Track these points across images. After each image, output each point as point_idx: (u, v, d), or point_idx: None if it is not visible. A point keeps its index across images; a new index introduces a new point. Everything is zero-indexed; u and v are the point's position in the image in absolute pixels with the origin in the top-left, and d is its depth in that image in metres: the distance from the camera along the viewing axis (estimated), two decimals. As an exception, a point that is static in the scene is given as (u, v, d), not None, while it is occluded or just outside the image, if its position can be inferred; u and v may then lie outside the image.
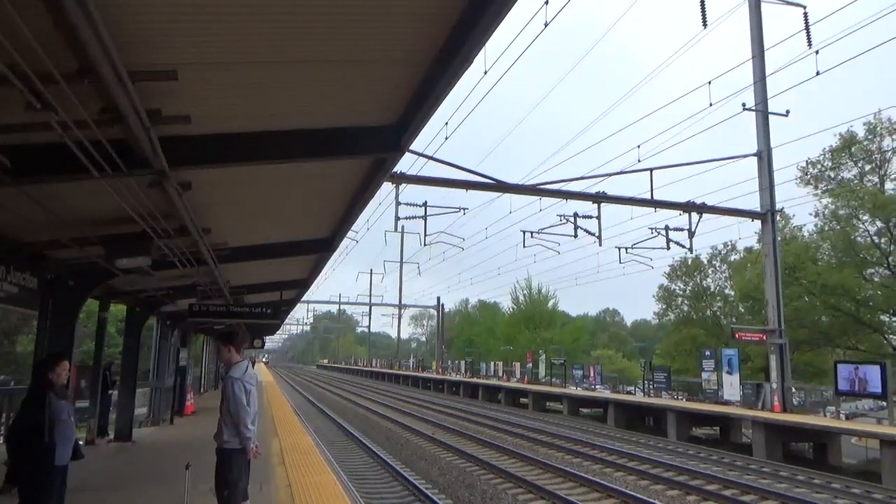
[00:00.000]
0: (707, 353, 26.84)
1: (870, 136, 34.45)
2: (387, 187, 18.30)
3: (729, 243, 45.85)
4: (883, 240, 33.44)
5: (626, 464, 15.93)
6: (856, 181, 35.41)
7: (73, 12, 2.99)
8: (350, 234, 14.55)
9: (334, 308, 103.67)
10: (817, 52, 16.93)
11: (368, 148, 6.65)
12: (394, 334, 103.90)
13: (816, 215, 36.61)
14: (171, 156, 5.39)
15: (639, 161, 21.05)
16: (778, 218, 25.44)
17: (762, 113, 23.58)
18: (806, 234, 38.82)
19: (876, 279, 34.54)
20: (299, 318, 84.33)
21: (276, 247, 12.34)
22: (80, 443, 6.33)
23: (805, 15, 18.96)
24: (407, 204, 19.63)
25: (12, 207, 6.68)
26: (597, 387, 34.80)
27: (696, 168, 22.99)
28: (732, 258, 46.44)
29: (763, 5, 23.97)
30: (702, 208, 22.45)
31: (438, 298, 69.92)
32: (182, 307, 16.65)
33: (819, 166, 36.07)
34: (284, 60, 4.81)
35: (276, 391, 35.55)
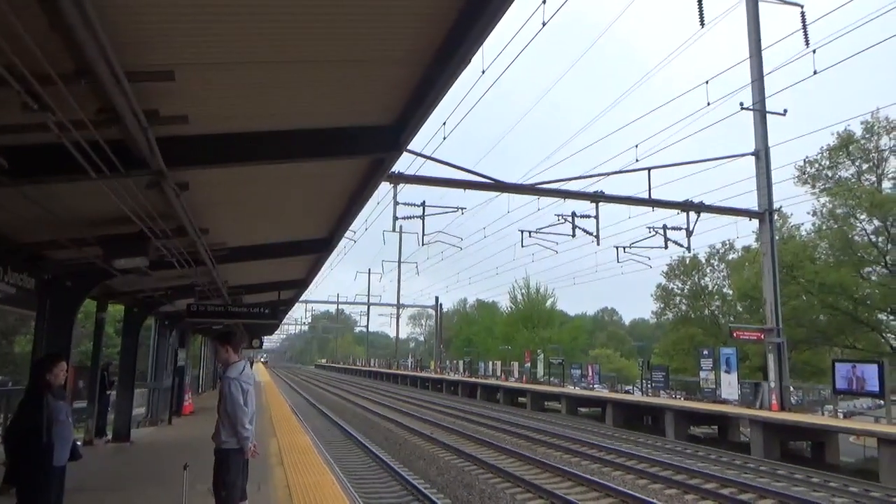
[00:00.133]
0: (705, 352, 26.87)
1: (867, 135, 34.53)
2: (385, 187, 18.32)
3: (727, 242, 46.01)
4: (880, 238, 33.52)
5: (624, 463, 15.95)
6: (853, 180, 35.48)
7: (69, 13, 2.99)
8: (348, 233, 14.54)
9: (332, 308, 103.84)
10: (814, 52, 16.98)
11: (367, 148, 6.65)
12: (392, 334, 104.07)
13: (814, 214, 36.74)
14: (169, 156, 5.39)
15: (637, 160, 21.09)
16: (776, 217, 25.47)
17: (760, 112, 23.61)
18: (804, 233, 38.91)
19: (873, 278, 34.61)
20: (297, 317, 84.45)
21: (274, 247, 12.33)
22: (78, 443, 6.33)
23: (802, 14, 18.99)
24: (405, 204, 19.65)
25: (10, 208, 6.66)
26: (595, 386, 34.83)
27: (693, 167, 23.06)
28: (730, 257, 46.57)
29: (760, 5, 24.02)
30: (700, 207, 22.47)
31: (437, 298, 69.97)
32: (180, 307, 16.64)
33: (817, 165, 36.15)
34: (283, 60, 4.80)
35: (274, 391, 35.53)
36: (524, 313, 72.37)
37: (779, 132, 57.09)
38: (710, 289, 47.89)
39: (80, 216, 7.66)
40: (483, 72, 13.17)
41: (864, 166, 35.54)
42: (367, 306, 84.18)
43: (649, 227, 23.17)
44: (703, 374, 26.04)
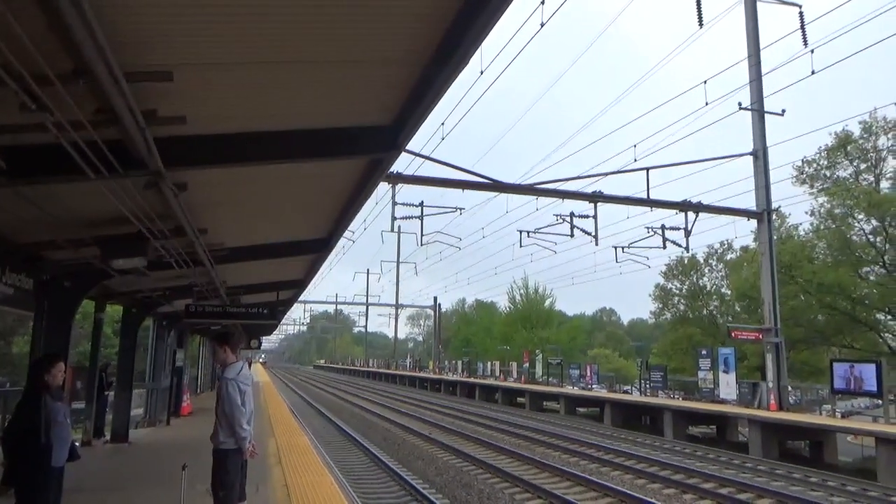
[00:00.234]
0: (703, 351, 26.90)
1: (865, 135, 34.59)
2: (383, 187, 18.33)
3: (725, 242, 46.02)
4: (878, 238, 33.55)
5: (622, 462, 15.96)
6: (851, 180, 35.53)
7: (67, 13, 2.98)
8: (346, 234, 14.54)
9: (331, 308, 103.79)
10: (812, 52, 17.01)
11: (365, 148, 6.64)
12: (391, 334, 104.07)
13: (812, 214, 36.77)
14: (167, 156, 5.38)
15: (635, 160, 21.12)
16: (774, 217, 25.50)
17: (758, 112, 23.65)
18: (802, 232, 38.95)
19: (871, 278, 34.65)
20: (296, 318, 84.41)
21: (272, 247, 12.32)
22: (77, 444, 6.32)
23: (801, 14, 19.03)
24: (403, 204, 19.65)
25: (8, 208, 6.65)
26: (593, 386, 34.85)
27: (692, 167, 23.11)
28: (728, 257, 46.62)
29: (759, 5, 24.06)
30: (698, 207, 22.50)
31: (435, 298, 69.95)
32: (178, 308, 16.62)
33: (815, 165, 36.22)
34: (282, 61, 4.80)
35: (272, 391, 35.50)
36: (523, 313, 72.40)
37: (777, 132, 57.32)
38: (708, 289, 47.93)
39: (78, 216, 7.65)
40: (482, 72, 13.21)
41: (862, 166, 35.61)
42: (365, 306, 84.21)
43: (648, 227, 23.22)
44: (701, 374, 26.06)
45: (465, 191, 19.64)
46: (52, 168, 5.22)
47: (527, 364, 43.27)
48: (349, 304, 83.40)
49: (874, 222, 33.32)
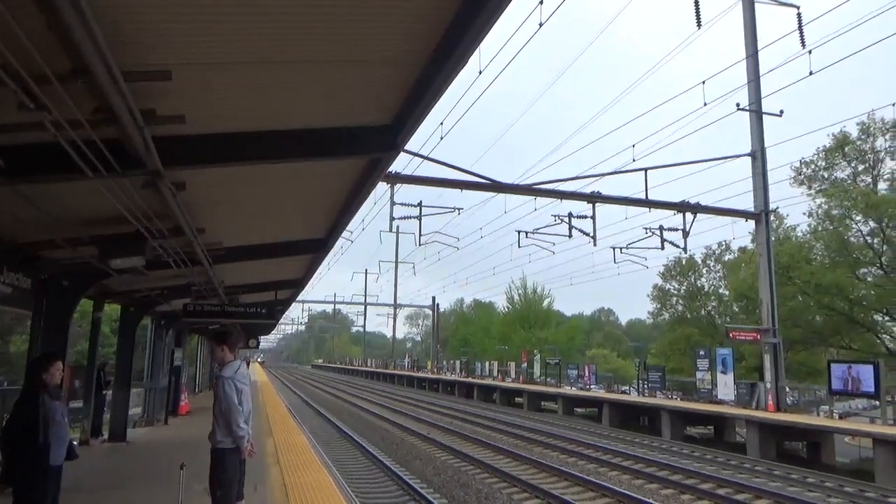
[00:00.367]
0: (701, 352, 26.91)
1: (863, 136, 34.66)
2: (382, 187, 18.33)
3: (723, 243, 46.09)
4: (875, 240, 33.62)
5: (620, 463, 15.98)
6: (849, 181, 35.60)
7: (66, 12, 2.98)
8: (345, 234, 14.55)
9: (329, 308, 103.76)
10: (810, 52, 17.04)
11: (364, 148, 6.65)
12: (389, 334, 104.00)
13: (810, 215, 36.85)
14: (166, 156, 5.38)
15: (633, 160, 21.14)
16: (772, 218, 25.54)
17: (756, 113, 23.68)
18: (800, 233, 39.05)
19: (869, 279, 34.72)
20: (294, 317, 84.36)
21: (271, 247, 12.31)
22: (75, 443, 6.32)
23: (798, 15, 19.06)
24: (402, 204, 19.63)
25: (6, 208, 6.65)
26: (591, 386, 34.86)
27: (690, 168, 23.13)
28: (726, 258, 46.69)
29: (757, 6, 24.08)
30: (696, 208, 22.52)
31: (433, 298, 69.97)
32: (177, 307, 16.59)
33: (812, 166, 36.28)
34: (281, 61, 4.80)
35: (271, 391, 35.49)
36: (521, 313, 72.39)
37: (775, 133, 57.35)
38: (706, 289, 48.02)
39: (76, 216, 7.65)
40: (480, 72, 13.21)
41: (860, 167, 35.71)
42: (364, 306, 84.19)
43: (646, 228, 23.23)
44: (699, 375, 26.08)
45: (464, 191, 19.65)
46: (51, 167, 5.21)
47: (525, 364, 43.27)
48: (347, 303, 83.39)
49: (872, 223, 33.39)
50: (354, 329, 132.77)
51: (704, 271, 48.17)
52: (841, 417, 20.43)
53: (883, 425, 17.50)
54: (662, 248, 23.21)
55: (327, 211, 10.38)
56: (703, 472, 14.93)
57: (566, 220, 21.46)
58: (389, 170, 14.72)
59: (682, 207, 22.41)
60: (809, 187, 36.54)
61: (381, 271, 68.55)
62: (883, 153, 34.61)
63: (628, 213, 23.08)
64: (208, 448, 5.85)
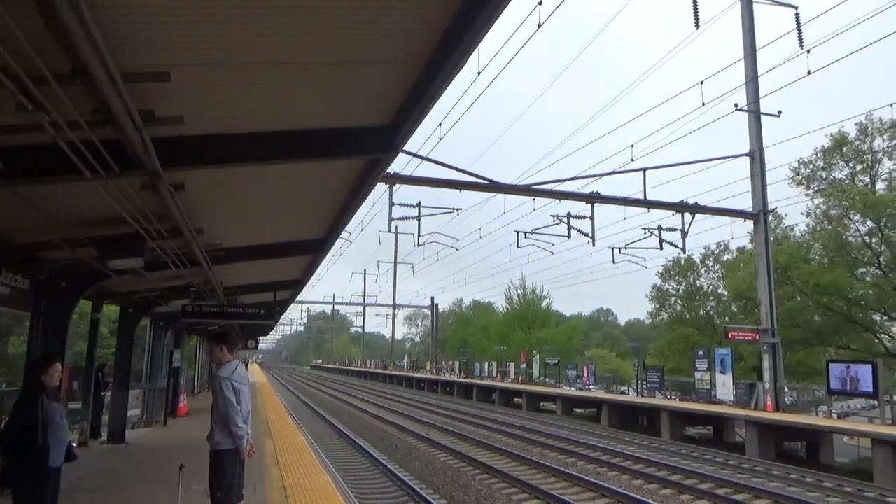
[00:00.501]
0: (700, 352, 26.92)
1: (861, 137, 34.68)
2: (380, 188, 18.33)
3: (722, 243, 46.09)
4: (874, 240, 33.65)
5: (619, 463, 15.98)
6: (847, 181, 35.62)
7: (65, 14, 2.98)
8: (344, 234, 14.55)
9: (328, 308, 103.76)
10: (808, 52, 17.07)
11: (363, 148, 6.65)
12: (388, 334, 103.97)
13: (808, 215, 36.85)
14: (164, 157, 5.37)
15: (632, 160, 21.12)
16: (770, 218, 25.56)
17: (754, 113, 23.70)
18: (798, 233, 39.06)
19: (867, 279, 34.75)
20: (293, 318, 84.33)
21: (269, 248, 12.31)
22: (73, 444, 6.31)
23: (797, 16, 19.10)
24: (401, 204, 19.63)
25: (4, 209, 6.64)
26: (590, 387, 34.84)
27: (688, 168, 23.13)
28: (725, 258, 46.66)
29: (755, 6, 24.12)
30: (694, 208, 22.53)
31: (432, 298, 70.01)
32: (175, 308, 16.59)
33: (811, 166, 36.29)
34: (280, 62, 4.80)
35: (269, 392, 35.48)
36: (520, 314, 72.35)
37: (773, 133, 57.55)
38: (705, 289, 48.00)
39: (75, 217, 7.64)
40: (479, 73, 13.23)
41: (858, 167, 35.71)
42: (362, 307, 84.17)
43: (645, 228, 23.24)
44: (698, 375, 26.09)
45: (463, 191, 19.66)
46: (49, 168, 5.20)
47: (524, 364, 43.26)
48: (346, 304, 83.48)
49: (870, 223, 33.41)
50: (353, 330, 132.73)
51: (703, 271, 48.18)
52: (839, 417, 20.45)
53: (881, 425, 17.52)
54: (661, 248, 23.24)
55: (326, 211, 10.38)
56: (702, 472, 14.93)
57: (565, 220, 21.47)
58: (388, 170, 14.72)
59: (680, 207, 22.43)
60: (808, 187, 36.57)
61: (380, 272, 68.67)
62: (881, 153, 34.64)
63: (627, 214, 23.11)
64: (207, 449, 5.85)
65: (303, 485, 9.12)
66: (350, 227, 15.63)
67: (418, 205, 19.91)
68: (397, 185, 18.91)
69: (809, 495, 13.08)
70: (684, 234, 22.63)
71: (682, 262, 46.48)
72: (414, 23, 4.46)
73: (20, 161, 5.17)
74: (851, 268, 34.15)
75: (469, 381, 47.08)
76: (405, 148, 7.68)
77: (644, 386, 30.18)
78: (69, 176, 5.15)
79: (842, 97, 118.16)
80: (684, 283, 48.52)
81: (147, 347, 19.71)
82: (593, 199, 20.96)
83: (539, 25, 12.29)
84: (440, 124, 17.77)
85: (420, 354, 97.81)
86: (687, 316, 47.54)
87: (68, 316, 9.70)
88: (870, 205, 32.18)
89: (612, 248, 24.55)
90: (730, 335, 24.87)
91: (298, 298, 34.65)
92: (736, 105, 22.82)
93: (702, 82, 19.02)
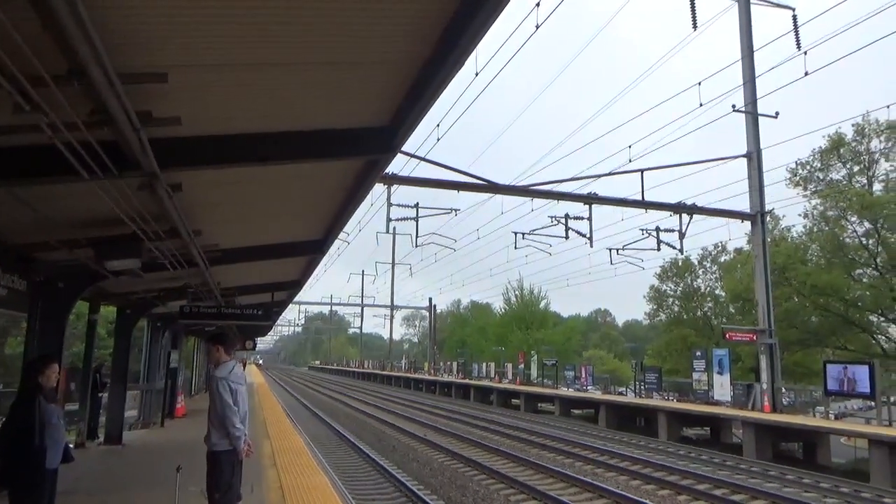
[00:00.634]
0: (698, 353, 26.96)
1: (858, 138, 34.72)
2: (378, 188, 18.33)
3: (719, 244, 46.16)
4: (871, 241, 33.69)
5: (617, 464, 15.99)
6: (844, 182, 35.66)
7: (62, 14, 2.97)
8: (342, 235, 14.54)
9: (326, 309, 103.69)
10: (805, 53, 17.09)
11: (361, 149, 6.65)
12: (386, 335, 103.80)
13: (806, 216, 36.87)
14: (162, 158, 5.36)
15: (630, 161, 21.14)
16: (767, 219, 25.60)
17: (752, 115, 23.74)
18: (795, 234, 39.09)
19: (864, 280, 34.79)
20: (291, 319, 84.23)
21: (267, 248, 12.30)
22: (70, 446, 6.30)
23: (794, 17, 19.13)
24: (399, 205, 19.64)
25: (1, 210, 6.63)
26: (588, 388, 34.87)
27: (686, 169, 23.13)
28: (723, 259, 46.69)
29: (752, 7, 24.17)
30: (692, 209, 22.56)
31: (430, 299, 70.08)
32: (173, 309, 16.57)
33: (808, 168, 36.33)
34: (278, 62, 4.80)
35: (267, 393, 35.44)
36: (518, 314, 72.34)
37: (771, 134, 57.70)
38: (702, 290, 48.04)
39: (72, 218, 7.63)
40: (476, 74, 13.22)
41: (855, 168, 35.73)
42: (360, 307, 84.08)
43: (642, 229, 23.27)
44: (695, 376, 26.13)
45: (461, 192, 19.67)
46: (47, 169, 5.19)
47: (522, 365, 43.26)
48: (344, 304, 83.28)
49: (867, 224, 33.45)
50: (351, 330, 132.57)
51: (700, 272, 48.21)
52: (837, 418, 20.50)
53: (878, 426, 17.55)
54: (659, 249, 23.26)
55: (324, 212, 10.37)
56: (700, 472, 14.95)
57: (563, 221, 21.48)
58: (386, 171, 14.72)
59: (678, 209, 22.45)
60: (805, 188, 36.59)
61: (378, 273, 68.59)
62: (878, 154, 34.68)
63: (625, 215, 23.16)
64: (205, 451, 5.84)
65: (300, 485, 9.11)
66: (348, 227, 15.62)
67: (416, 205, 19.92)
68: (395, 186, 18.93)
69: (806, 496, 13.10)
70: (682, 235, 22.66)
71: (680, 263, 46.53)
72: (413, 23, 4.47)
73: (17, 162, 5.17)
74: (848, 269, 34.19)
75: (467, 381, 47.08)
76: (403, 148, 7.69)
77: (642, 387, 30.21)
78: (66, 177, 5.14)
79: (839, 98, 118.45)
80: (682, 284, 48.55)
81: (144, 348, 19.67)
82: (591, 199, 20.97)
83: (537, 27, 12.31)
84: (438, 125, 17.77)
85: (418, 355, 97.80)
86: (684, 317, 47.57)
87: (65, 317, 9.68)
88: (867, 206, 32.23)
89: (610, 250, 24.60)
90: (727, 336, 24.91)
91: (296, 299, 34.63)
92: (734, 106, 22.87)
93: (699, 83, 19.03)
